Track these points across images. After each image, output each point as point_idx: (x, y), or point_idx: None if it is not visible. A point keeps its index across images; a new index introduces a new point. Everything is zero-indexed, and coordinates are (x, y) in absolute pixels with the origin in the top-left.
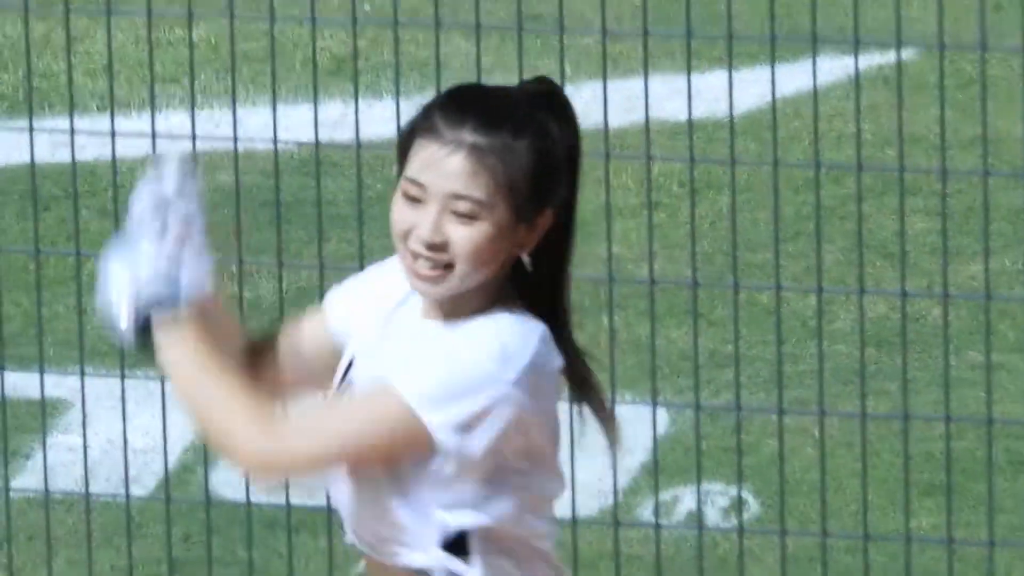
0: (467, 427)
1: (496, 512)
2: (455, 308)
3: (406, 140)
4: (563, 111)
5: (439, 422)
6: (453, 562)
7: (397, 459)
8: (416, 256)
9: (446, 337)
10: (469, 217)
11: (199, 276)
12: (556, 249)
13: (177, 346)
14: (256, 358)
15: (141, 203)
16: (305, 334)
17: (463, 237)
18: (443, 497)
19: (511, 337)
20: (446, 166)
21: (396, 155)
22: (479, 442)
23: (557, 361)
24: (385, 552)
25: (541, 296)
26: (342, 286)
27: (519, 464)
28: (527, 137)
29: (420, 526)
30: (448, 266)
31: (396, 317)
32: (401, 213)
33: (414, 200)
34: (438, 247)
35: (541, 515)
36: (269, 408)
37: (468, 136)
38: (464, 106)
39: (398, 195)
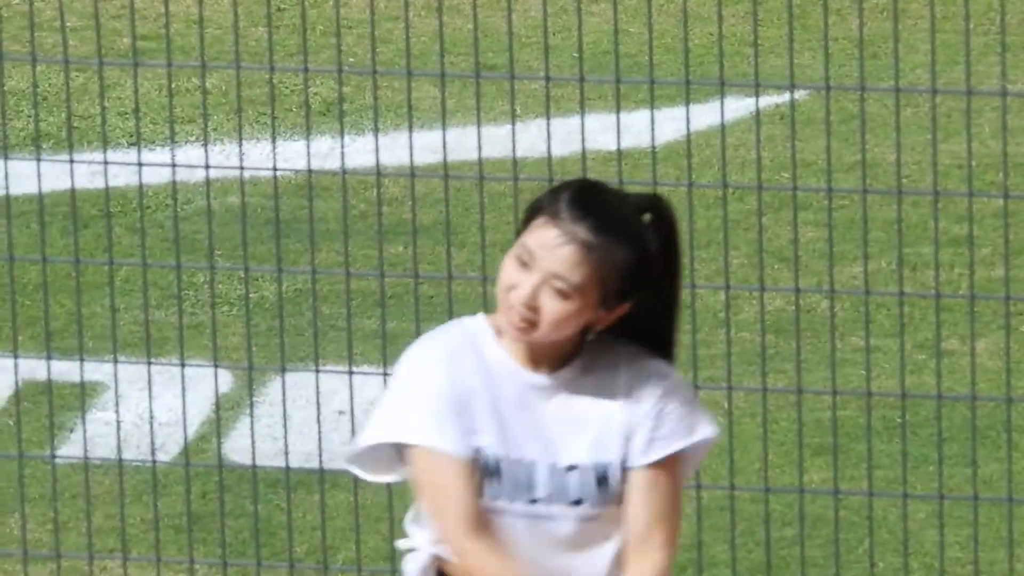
0: None
1: None
2: (555, 358)
3: (533, 212)
4: (666, 228)
5: None
6: None
7: None
8: (511, 308)
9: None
10: (562, 294)
11: None
12: (638, 321)
13: None
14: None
15: None
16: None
17: (552, 309)
18: None
19: None
20: (557, 250)
21: (522, 219)
22: None
23: None
24: None
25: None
26: (440, 424)
27: None
28: (628, 245)
29: None
30: (533, 324)
31: (500, 394)
32: (509, 271)
33: (523, 264)
34: (530, 308)
35: None
36: None
37: (582, 232)
38: (587, 206)
39: (512, 254)
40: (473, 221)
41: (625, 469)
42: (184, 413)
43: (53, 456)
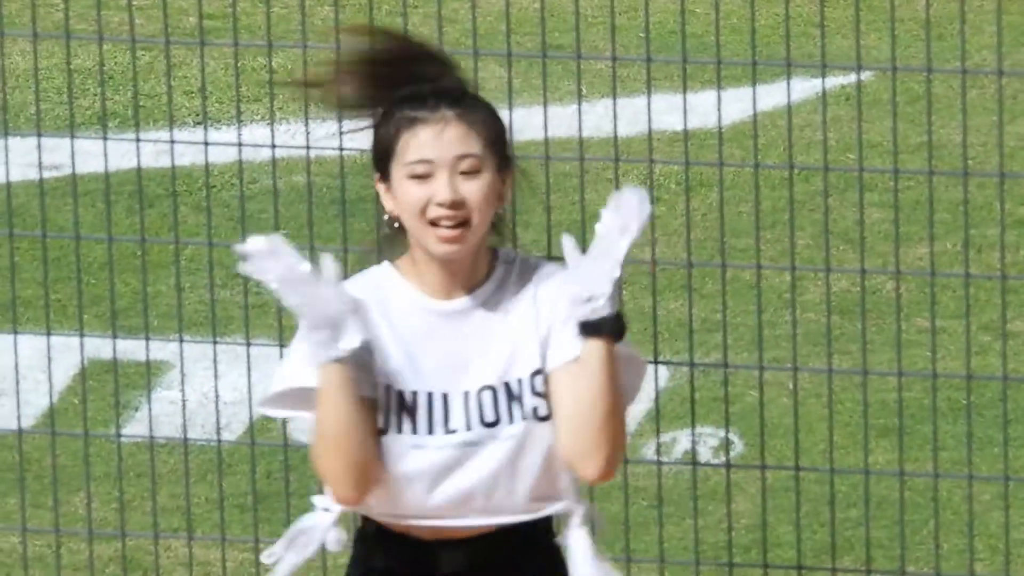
0: None
1: None
2: (473, 280)
3: (388, 144)
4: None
5: None
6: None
7: None
8: (437, 223)
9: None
10: (474, 171)
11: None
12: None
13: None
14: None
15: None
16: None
17: (475, 191)
18: None
19: None
20: (443, 137)
21: (377, 165)
22: None
23: None
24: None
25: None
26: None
27: None
28: (483, 102)
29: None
30: (465, 223)
31: (401, 323)
32: (412, 193)
33: (423, 177)
34: (457, 204)
35: None
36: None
37: (449, 111)
38: (430, 94)
39: (404, 181)
40: (539, 201)
41: (546, 375)
42: (249, 392)
43: (118, 435)
